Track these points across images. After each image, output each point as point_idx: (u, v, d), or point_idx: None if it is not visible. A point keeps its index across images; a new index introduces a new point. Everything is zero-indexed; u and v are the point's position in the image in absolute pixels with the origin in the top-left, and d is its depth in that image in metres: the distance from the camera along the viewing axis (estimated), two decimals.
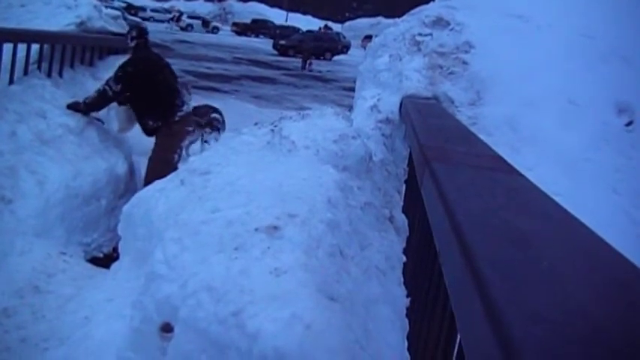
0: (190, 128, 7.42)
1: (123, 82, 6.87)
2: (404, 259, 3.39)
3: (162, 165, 6.36)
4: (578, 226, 1.48)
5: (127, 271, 3.65)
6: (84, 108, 6.88)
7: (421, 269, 2.89)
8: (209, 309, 2.41)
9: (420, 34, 6.14)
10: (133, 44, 7.27)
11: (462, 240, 1.28)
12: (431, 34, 6.10)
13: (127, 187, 6.49)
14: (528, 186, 1.89)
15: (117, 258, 4.06)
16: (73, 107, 6.79)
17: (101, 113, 7.24)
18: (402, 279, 3.22)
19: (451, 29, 6.13)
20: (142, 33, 7.51)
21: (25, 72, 7.27)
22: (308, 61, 38.38)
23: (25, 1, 9.43)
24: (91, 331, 3.40)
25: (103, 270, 4.60)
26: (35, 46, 7.42)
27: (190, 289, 2.55)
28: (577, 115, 5.22)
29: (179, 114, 7.25)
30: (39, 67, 7.52)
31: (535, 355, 0.81)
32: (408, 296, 3.10)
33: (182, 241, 2.89)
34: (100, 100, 6.94)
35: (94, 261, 5.36)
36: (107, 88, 6.88)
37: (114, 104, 7.33)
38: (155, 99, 7.09)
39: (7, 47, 6.83)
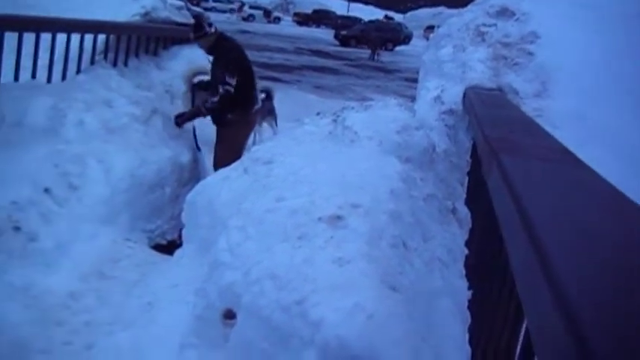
0: (259, 119, 7.44)
1: (237, 72, 6.91)
2: (466, 251, 3.37)
3: (232, 153, 6.38)
4: None
5: (190, 259, 3.70)
6: (205, 112, 6.98)
7: (484, 262, 2.87)
8: (272, 297, 2.44)
9: (484, 25, 6.07)
10: (212, 30, 7.07)
11: (531, 232, 1.27)
12: (495, 25, 6.03)
13: (191, 175, 6.55)
14: (598, 180, 1.86)
15: (180, 245, 4.12)
16: (190, 116, 6.90)
17: (165, 103, 7.29)
18: (463, 271, 3.21)
19: (516, 19, 6.05)
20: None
21: (92, 62, 7.43)
22: (376, 51, 38.45)
23: None
24: (154, 316, 3.46)
25: (167, 257, 4.67)
26: (102, 37, 7.57)
27: (254, 277, 2.58)
28: None
29: (256, 107, 7.31)
30: (105, 57, 7.65)
31: (609, 348, 0.81)
32: (469, 289, 3.08)
33: (246, 230, 2.92)
34: (225, 100, 6.88)
35: (158, 248, 5.43)
36: (228, 87, 6.82)
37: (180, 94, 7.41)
38: (244, 88, 7.07)
39: (75, 37, 7.00)
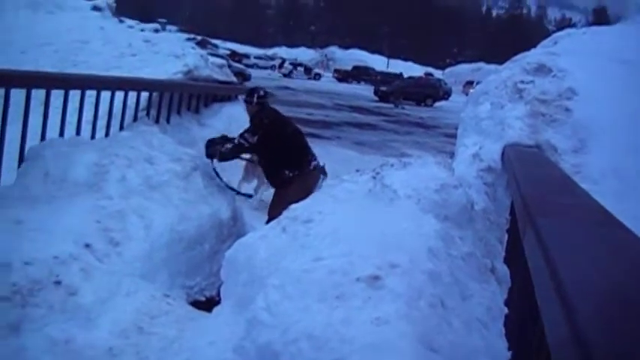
0: (321, 178, 7.46)
1: (259, 134, 7.02)
2: (505, 310, 3.33)
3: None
4: None
5: (228, 316, 3.70)
6: (219, 156, 7.14)
7: (523, 322, 2.84)
8: (310, 357, 2.43)
9: (521, 82, 6.09)
10: (255, 101, 7.24)
11: (565, 300, 1.26)
12: (533, 82, 6.04)
13: (230, 232, 6.56)
14: (637, 243, 1.84)
15: (219, 302, 4.12)
16: (211, 152, 7.10)
17: (205, 160, 7.37)
18: (503, 331, 3.17)
19: (553, 76, 6.06)
20: (268, 94, 7.56)
21: (135, 118, 7.60)
22: (398, 101, 42.50)
23: (136, 51, 9.93)
24: None
25: (205, 313, 4.67)
26: (145, 94, 7.75)
27: (291, 337, 2.58)
28: None
29: (313, 163, 7.34)
30: (147, 114, 7.83)
31: None
32: (509, 349, 3.04)
33: (284, 289, 2.93)
34: (235, 151, 7.11)
35: (196, 304, 5.43)
36: (243, 141, 7.01)
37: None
38: (288, 150, 7.23)
39: (119, 95, 7.20)
